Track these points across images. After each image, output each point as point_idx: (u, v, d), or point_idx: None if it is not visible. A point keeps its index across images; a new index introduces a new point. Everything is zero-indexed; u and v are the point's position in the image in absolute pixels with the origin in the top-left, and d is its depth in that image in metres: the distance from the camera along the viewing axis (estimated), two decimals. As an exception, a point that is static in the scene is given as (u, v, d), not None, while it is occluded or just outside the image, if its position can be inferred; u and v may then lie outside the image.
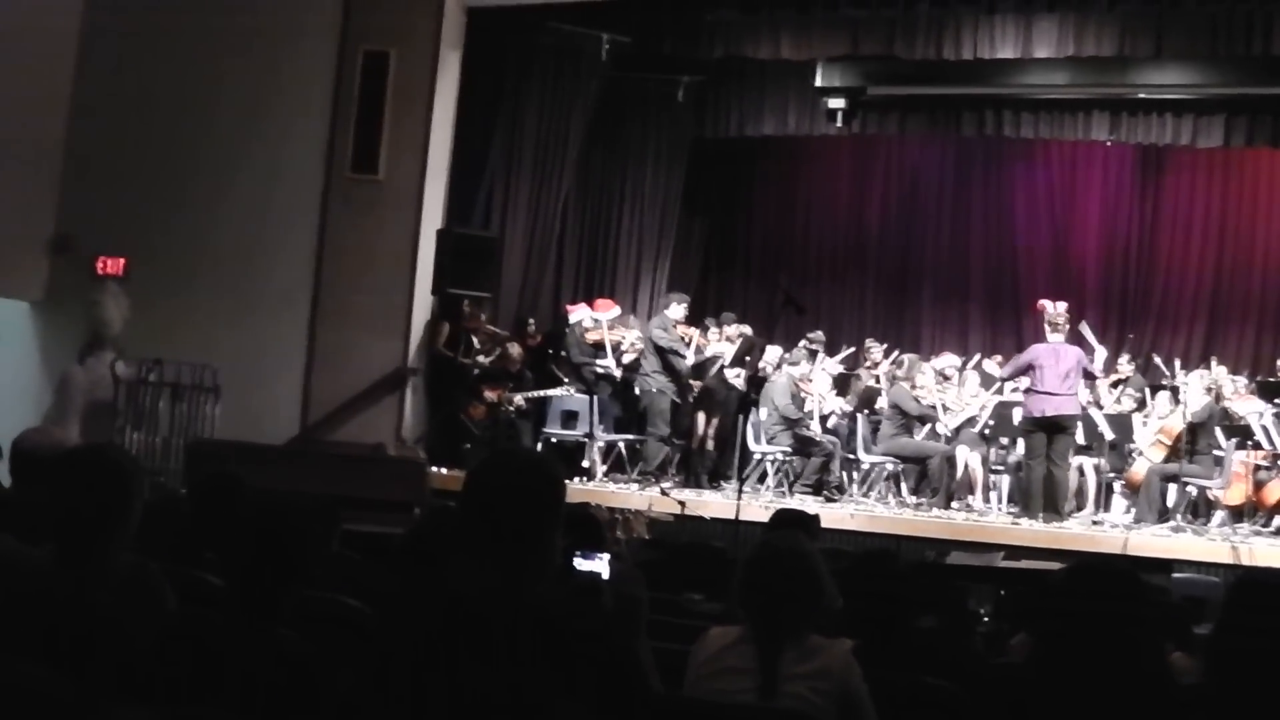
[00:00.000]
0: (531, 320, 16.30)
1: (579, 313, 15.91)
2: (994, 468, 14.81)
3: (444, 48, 14.63)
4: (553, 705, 3.12)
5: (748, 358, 14.82)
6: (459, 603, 3.20)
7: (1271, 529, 13.61)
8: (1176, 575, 10.72)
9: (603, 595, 3.64)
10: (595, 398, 15.00)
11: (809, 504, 13.43)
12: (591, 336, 15.60)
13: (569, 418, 15.23)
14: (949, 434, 14.67)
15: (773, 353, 15.39)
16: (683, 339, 14.90)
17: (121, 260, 14.51)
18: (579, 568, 3.56)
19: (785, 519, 6.83)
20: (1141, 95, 16.25)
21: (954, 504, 14.24)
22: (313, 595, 4.43)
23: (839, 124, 16.72)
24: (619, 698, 3.30)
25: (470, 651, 3.11)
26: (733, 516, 11.38)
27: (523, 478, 3.31)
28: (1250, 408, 14.33)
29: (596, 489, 13.98)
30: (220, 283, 14.39)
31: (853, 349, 16.87)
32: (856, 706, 4.18)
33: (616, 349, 15.44)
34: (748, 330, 15.63)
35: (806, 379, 14.96)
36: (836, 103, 16.60)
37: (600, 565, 3.53)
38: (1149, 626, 3.90)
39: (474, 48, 15.05)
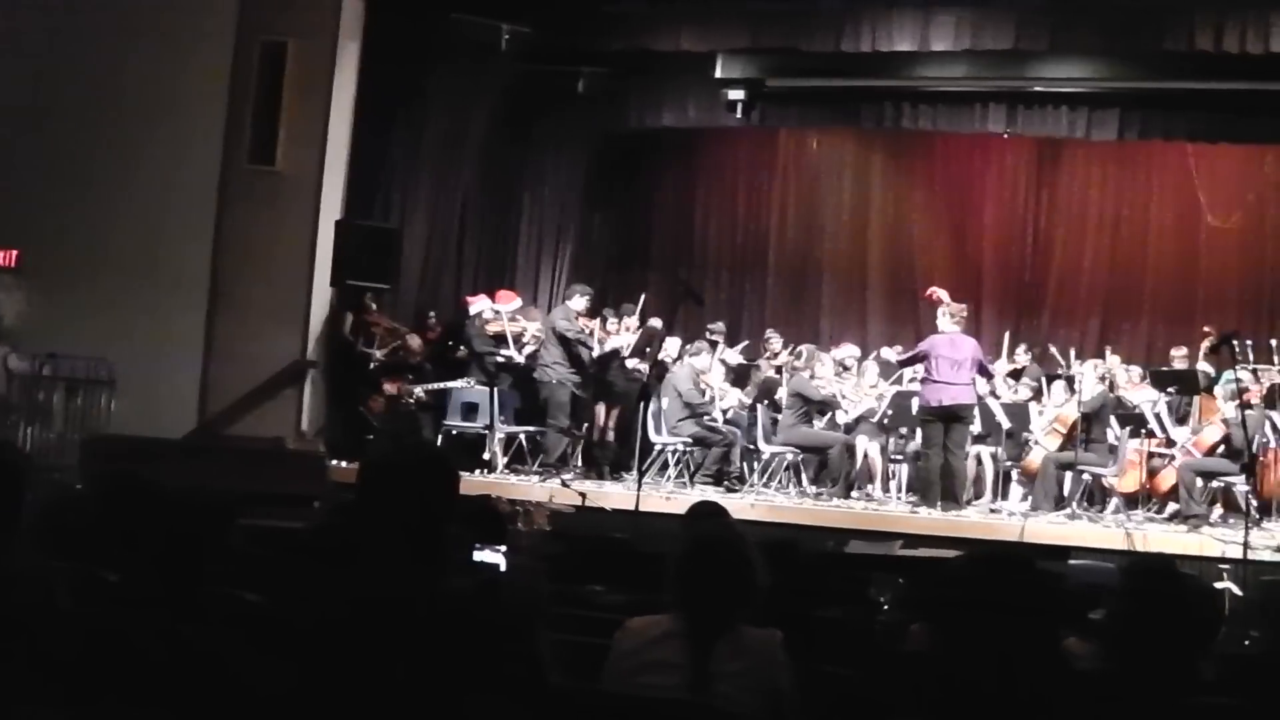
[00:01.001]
0: (432, 312, 16.22)
1: (480, 304, 15.84)
2: (893, 457, 14.94)
3: (343, 38, 14.53)
4: (454, 697, 3.12)
5: (648, 349, 14.84)
6: (359, 596, 3.19)
7: (1165, 515, 13.84)
8: (1073, 562, 10.85)
9: (501, 587, 3.65)
10: (495, 390, 14.95)
11: (710, 494, 13.47)
12: (492, 328, 15.55)
13: (469, 410, 15.16)
14: (849, 424, 14.77)
15: (673, 344, 15.42)
16: (584, 331, 14.89)
17: (15, 252, 14.29)
18: (477, 560, 3.56)
19: (704, 511, 6.82)
20: (1037, 88, 16.41)
21: (854, 493, 14.36)
22: (211, 591, 4.37)
23: (739, 116, 16.76)
24: (518, 690, 3.30)
25: (372, 645, 3.10)
26: (633, 508, 11.39)
27: (415, 471, 3.29)
28: (1143, 396, 14.56)
29: (497, 481, 13.95)
30: (117, 275, 14.19)
31: (751, 340, 16.95)
32: (782, 700, 4.14)
33: (517, 340, 15.41)
34: (654, 323, 15.65)
35: (706, 370, 15.00)
36: (736, 95, 16.61)
37: (498, 557, 3.53)
38: (1044, 613, 3.95)
39: (373, 38, 14.94)
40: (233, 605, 4.62)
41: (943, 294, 14.16)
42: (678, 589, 4.29)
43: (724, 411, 15.09)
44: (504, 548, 3.70)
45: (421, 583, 3.18)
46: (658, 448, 14.78)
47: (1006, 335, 16.85)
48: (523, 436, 15.26)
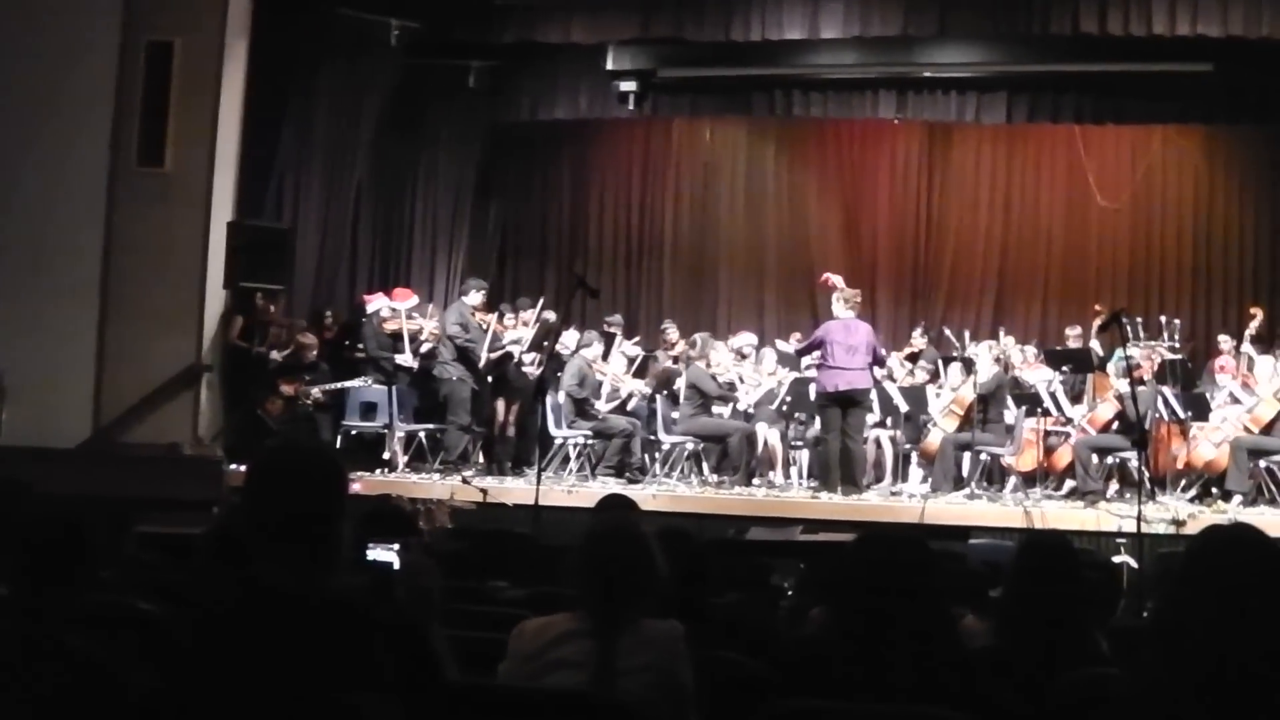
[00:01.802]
0: (328, 312, 16.07)
1: (376, 302, 15.75)
2: (793, 443, 15.01)
3: (230, 36, 14.34)
4: (350, 696, 3.09)
5: (545, 342, 14.82)
6: (253, 598, 3.16)
7: (1063, 492, 14.01)
8: (973, 541, 10.99)
9: (394, 585, 3.62)
10: (394, 388, 14.86)
11: (611, 486, 13.49)
12: (389, 326, 15.45)
13: (368, 409, 15.07)
14: (748, 411, 14.83)
15: (570, 337, 15.40)
16: (481, 326, 14.83)
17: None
18: (371, 558, 3.53)
19: (613, 504, 6.80)
20: (926, 74, 16.54)
21: (755, 480, 14.41)
22: (104, 599, 4.32)
23: (631, 107, 16.73)
24: (414, 686, 3.28)
25: (266, 646, 3.07)
26: (534, 502, 11.35)
27: (301, 470, 3.26)
28: (1039, 376, 14.73)
29: (398, 480, 13.87)
30: (5, 280, 13.92)
31: (649, 332, 16.98)
32: (682, 693, 4.11)
33: (415, 338, 15.32)
34: (548, 315, 15.63)
35: (600, 361, 14.99)
36: (628, 86, 16.57)
37: (391, 555, 3.50)
38: (936, 591, 3.98)
39: (261, 35, 14.76)
40: (125, 612, 4.57)
41: (837, 280, 14.24)
42: (578, 585, 4.23)
43: (623, 402, 15.09)
44: (397, 545, 3.66)
45: (312, 582, 3.14)
46: (558, 441, 14.76)
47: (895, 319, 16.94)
48: (423, 434, 15.18)
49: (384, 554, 3.61)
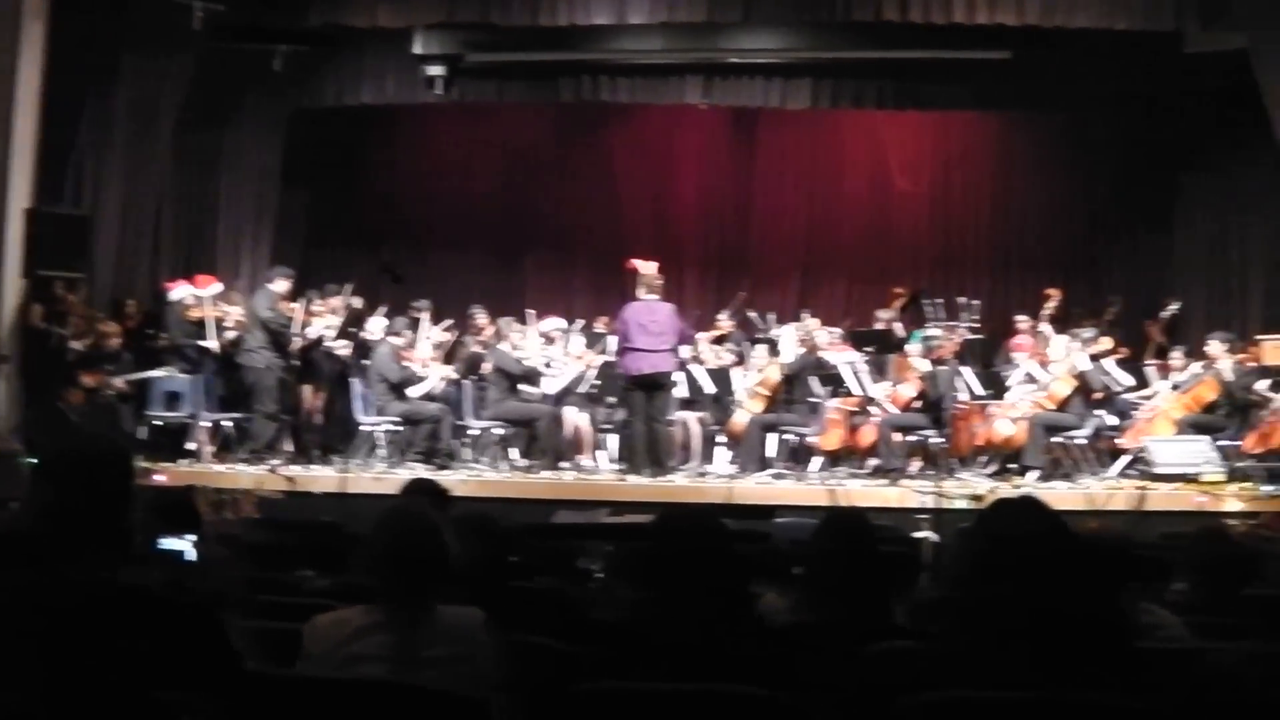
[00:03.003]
0: (130, 300, 15.70)
1: (180, 290, 15.40)
2: (602, 427, 15.02)
3: (26, 19, 13.88)
4: (143, 690, 3.04)
5: (352, 329, 14.66)
6: (44, 592, 3.09)
7: (867, 470, 14.25)
8: (779, 520, 11.06)
9: (189, 576, 3.55)
10: (199, 377, 14.59)
11: (420, 473, 13.39)
12: (193, 314, 15.12)
13: (172, 399, 14.72)
14: (557, 395, 14.83)
15: (377, 323, 15.25)
16: (287, 314, 14.63)
17: None
18: (163, 548, 3.45)
19: (419, 489, 6.74)
20: (732, 59, 16.69)
21: (564, 464, 14.41)
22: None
23: (439, 91, 16.60)
24: (211, 677, 3.23)
25: (61, 640, 3.01)
26: (344, 491, 11.27)
27: (89, 462, 3.20)
28: (843, 357, 14.95)
29: (203, 470, 13.62)
30: None
31: (457, 317, 16.89)
32: (485, 682, 4.07)
33: (220, 325, 15.05)
34: (354, 302, 15.47)
35: (410, 347, 14.87)
36: (435, 70, 16.43)
37: (184, 545, 3.43)
38: (733, 568, 4.03)
39: (60, 19, 14.34)
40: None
41: (639, 264, 14.31)
42: (370, 575, 4.17)
43: (431, 387, 14.98)
44: (193, 536, 3.59)
45: (103, 575, 3.08)
46: (367, 428, 14.63)
47: (705, 302, 17.06)
48: (229, 424, 14.90)
49: (176, 544, 3.53)
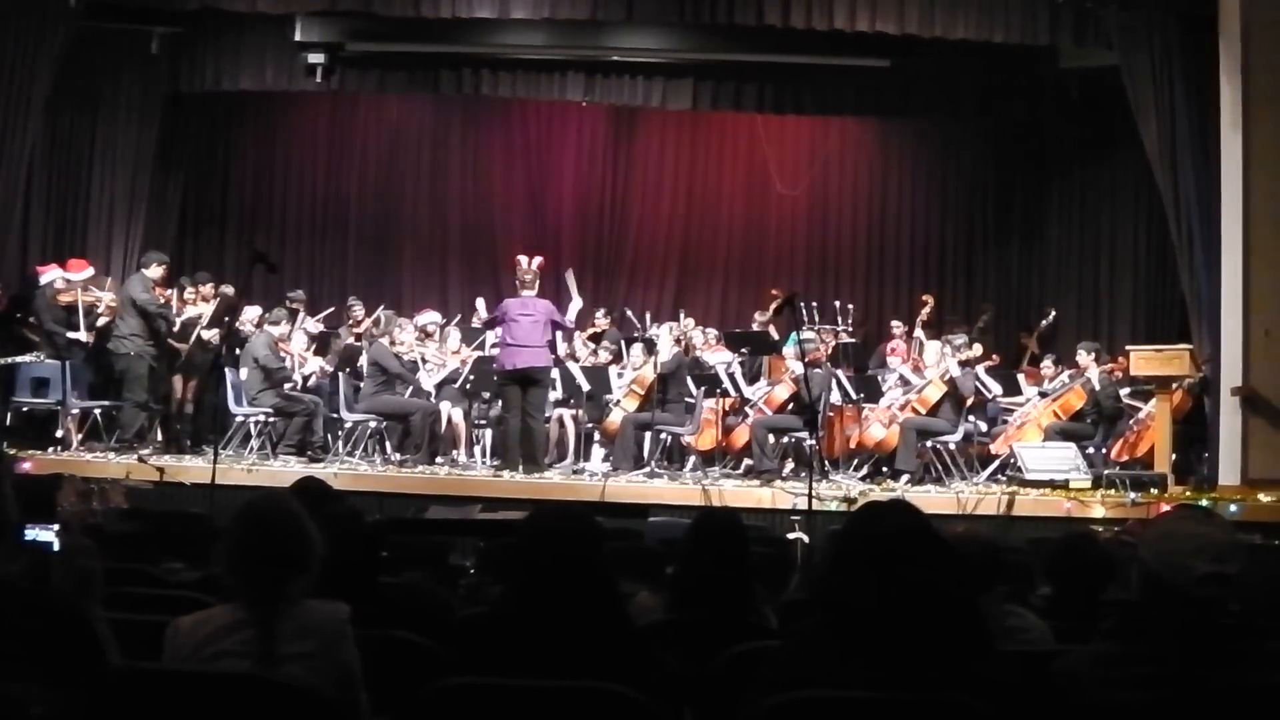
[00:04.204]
0: (-3, 284, 15.41)
1: (50, 274, 15.15)
2: (477, 422, 14.99)
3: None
4: (10, 687, 2.98)
5: (226, 318, 14.48)
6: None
7: (740, 471, 14.34)
8: (652, 519, 11.09)
9: (52, 567, 3.46)
10: (67, 363, 14.32)
11: (293, 465, 13.30)
12: (64, 299, 14.88)
13: (40, 385, 14.45)
14: (432, 390, 14.76)
15: (251, 312, 15.09)
16: (160, 300, 14.42)
17: None
18: (29, 539, 3.37)
19: (305, 488, 6.64)
20: (614, 58, 16.70)
21: (438, 459, 14.34)
22: None
23: (318, 79, 16.45)
24: (72, 669, 3.17)
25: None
26: (214, 482, 11.09)
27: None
28: (718, 358, 15.05)
29: (71, 459, 13.39)
30: None
31: (334, 308, 16.77)
32: (348, 678, 4.03)
33: (91, 311, 14.80)
34: (226, 290, 15.29)
35: (286, 339, 14.73)
36: (316, 58, 16.27)
37: (50, 536, 3.34)
38: (603, 565, 4.02)
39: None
40: None
41: (521, 259, 14.30)
42: (230, 570, 4.05)
43: (305, 379, 14.85)
44: (56, 526, 3.51)
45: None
46: (239, 419, 14.45)
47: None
48: (98, 412, 14.64)
49: (43, 534, 3.45)
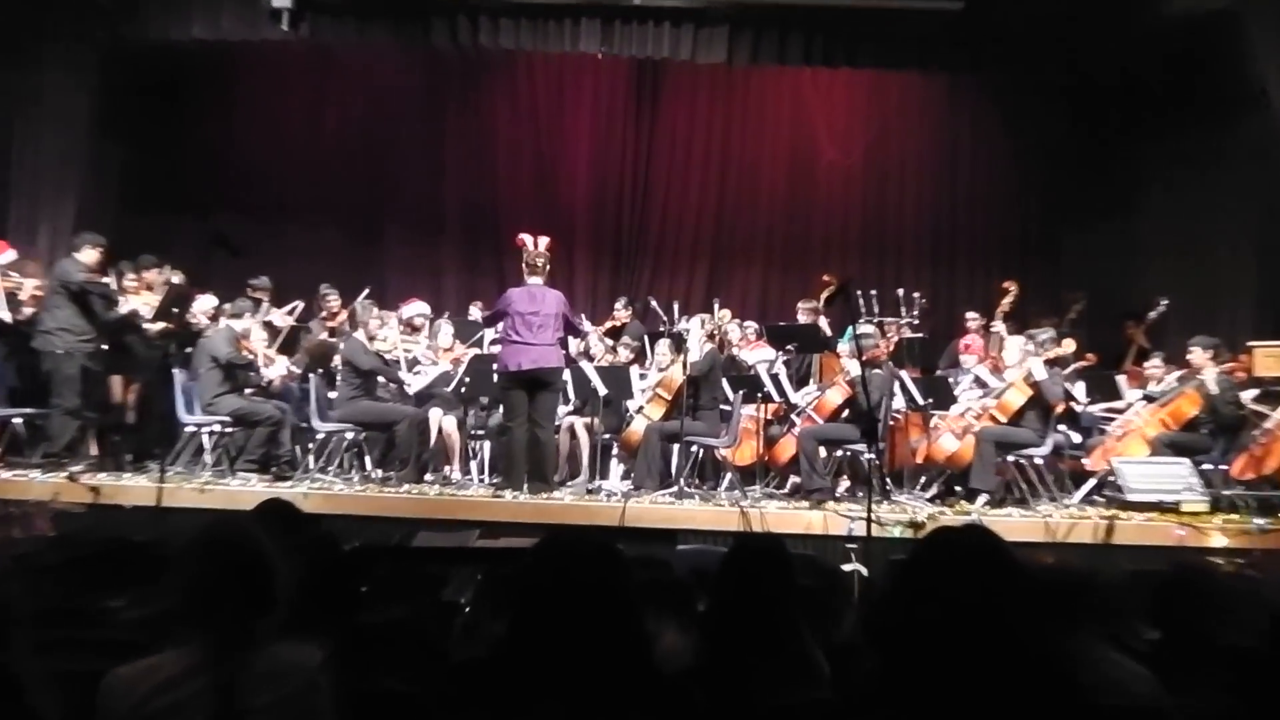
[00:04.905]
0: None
1: (-34, 258, 15.20)
2: (473, 432, 14.95)
3: None
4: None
5: (175, 309, 14.46)
6: None
7: (786, 490, 14.27)
8: (681, 547, 11.08)
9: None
10: (-19, 361, 14.39)
11: (255, 484, 13.27)
12: (-22, 285, 14.93)
13: (-54, 389, 14.53)
14: (420, 394, 14.73)
15: (206, 302, 15.08)
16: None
17: None
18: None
19: (270, 510, 6.61)
20: (637, 2, 16.64)
21: (428, 476, 14.30)
22: None
23: (285, 27, 16.37)
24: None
25: None
26: (160, 504, 11.11)
27: None
28: (759, 357, 14.98)
29: (-11, 478, 13.43)
30: None
31: (302, 300, 16.75)
32: None
33: (12, 299, 14.80)
34: (175, 277, 15.27)
35: (248, 334, 14.71)
36: (281, 2, 16.24)
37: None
38: (627, 604, 3.97)
39: None
40: None
41: (527, 239, 14.19)
42: (182, 608, 4.04)
43: (270, 382, 14.82)
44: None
45: None
46: (190, 429, 14.43)
47: (599, 289, 17.02)
48: (19, 421, 14.64)
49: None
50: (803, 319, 15.98)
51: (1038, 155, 18.92)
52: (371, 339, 14.54)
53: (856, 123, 19.37)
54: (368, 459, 14.67)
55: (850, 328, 14.29)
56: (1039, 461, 13.90)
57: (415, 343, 15.12)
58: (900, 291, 16.26)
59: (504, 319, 13.61)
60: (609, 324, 16.56)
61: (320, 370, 14.98)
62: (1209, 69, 15.97)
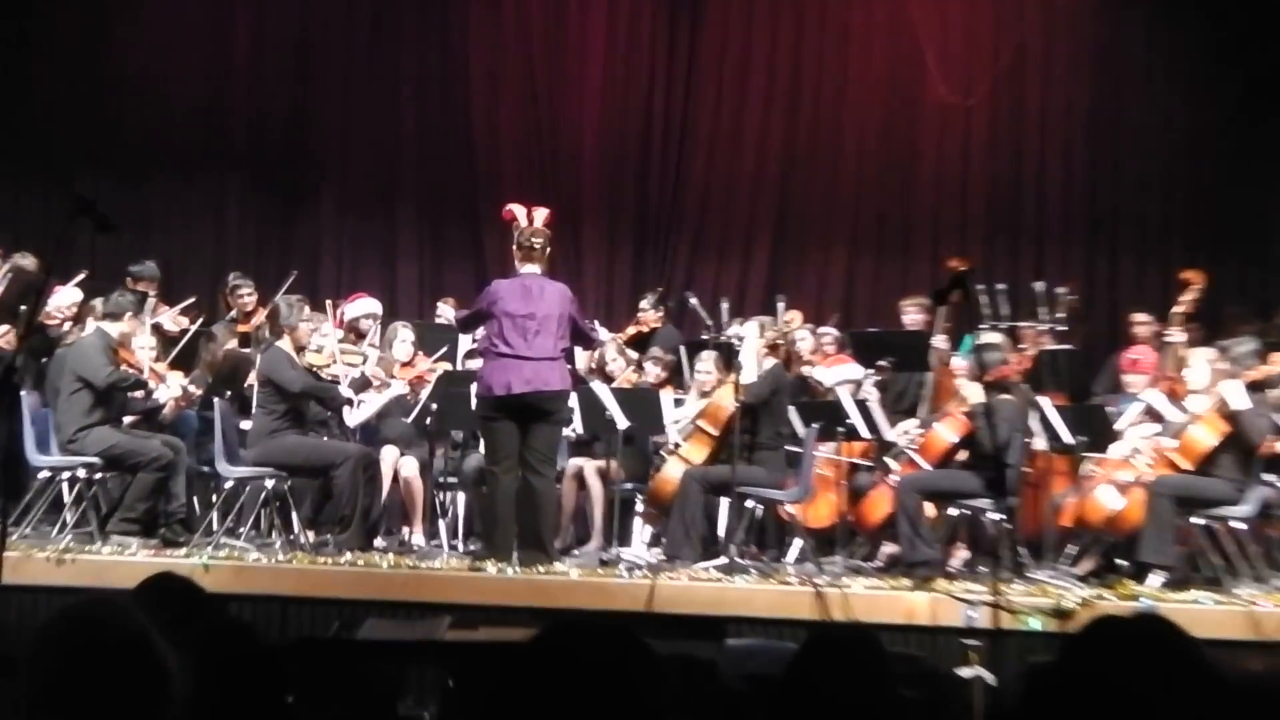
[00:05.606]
0: None
1: None
2: (442, 480, 14.92)
3: None
4: None
5: (23, 306, 14.47)
6: None
7: (879, 562, 14.18)
8: (732, 642, 11.03)
9: None
10: None
11: (136, 552, 13.23)
12: None
13: None
14: (368, 425, 14.71)
15: (68, 296, 15.09)
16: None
17: None
18: None
19: (163, 587, 6.56)
20: None
21: (378, 541, 14.27)
22: None
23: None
24: None
25: None
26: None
27: None
28: (841, 375, 14.91)
29: None
30: None
31: (212, 292, 16.74)
32: None
33: None
34: (23, 260, 15.28)
35: (129, 341, 14.68)
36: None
37: None
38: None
39: None
40: None
41: (519, 211, 14.06)
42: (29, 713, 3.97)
43: (158, 408, 14.80)
44: None
45: None
46: (44, 475, 14.39)
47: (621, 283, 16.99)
48: None
49: None
50: (911, 321, 15.86)
51: (1233, 94, 18.81)
52: (301, 349, 14.47)
53: (979, 53, 19.34)
54: (294, 517, 14.58)
55: (969, 336, 14.24)
56: (1239, 525, 13.82)
57: (361, 354, 15.07)
58: (1039, 285, 16.17)
59: (486, 322, 13.49)
60: (632, 329, 16.54)
61: (229, 392, 14.96)
62: None
